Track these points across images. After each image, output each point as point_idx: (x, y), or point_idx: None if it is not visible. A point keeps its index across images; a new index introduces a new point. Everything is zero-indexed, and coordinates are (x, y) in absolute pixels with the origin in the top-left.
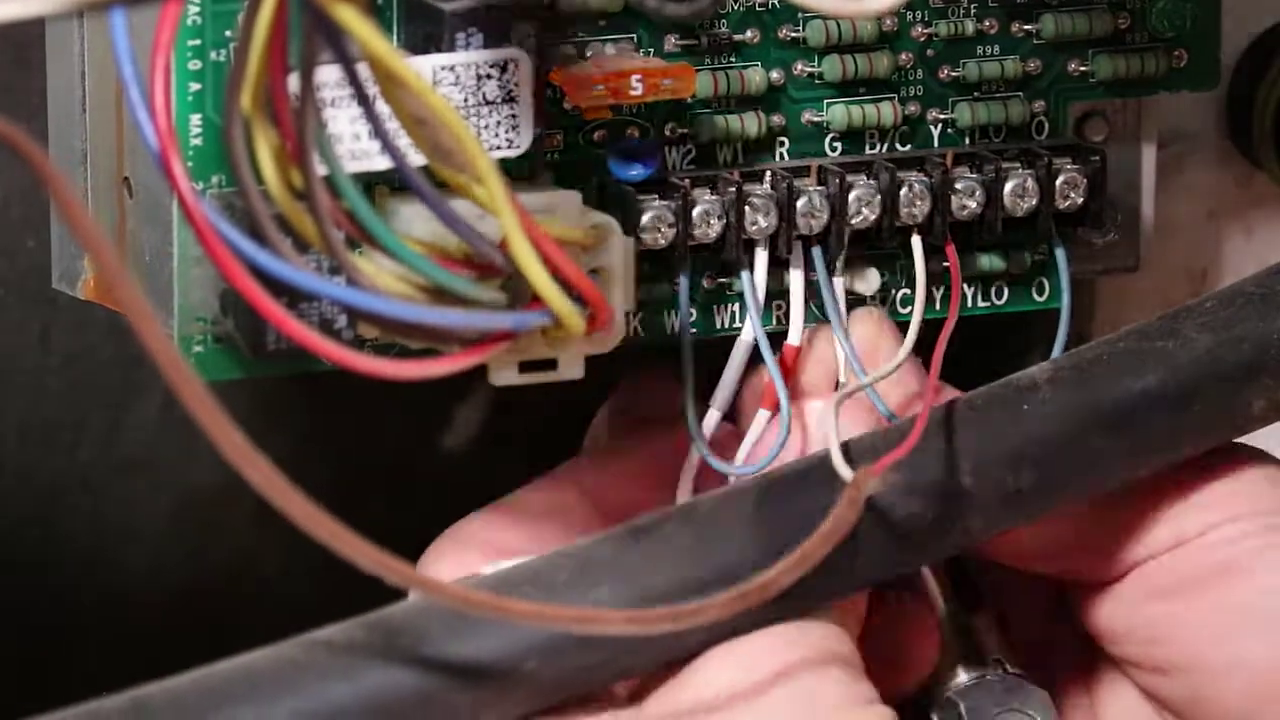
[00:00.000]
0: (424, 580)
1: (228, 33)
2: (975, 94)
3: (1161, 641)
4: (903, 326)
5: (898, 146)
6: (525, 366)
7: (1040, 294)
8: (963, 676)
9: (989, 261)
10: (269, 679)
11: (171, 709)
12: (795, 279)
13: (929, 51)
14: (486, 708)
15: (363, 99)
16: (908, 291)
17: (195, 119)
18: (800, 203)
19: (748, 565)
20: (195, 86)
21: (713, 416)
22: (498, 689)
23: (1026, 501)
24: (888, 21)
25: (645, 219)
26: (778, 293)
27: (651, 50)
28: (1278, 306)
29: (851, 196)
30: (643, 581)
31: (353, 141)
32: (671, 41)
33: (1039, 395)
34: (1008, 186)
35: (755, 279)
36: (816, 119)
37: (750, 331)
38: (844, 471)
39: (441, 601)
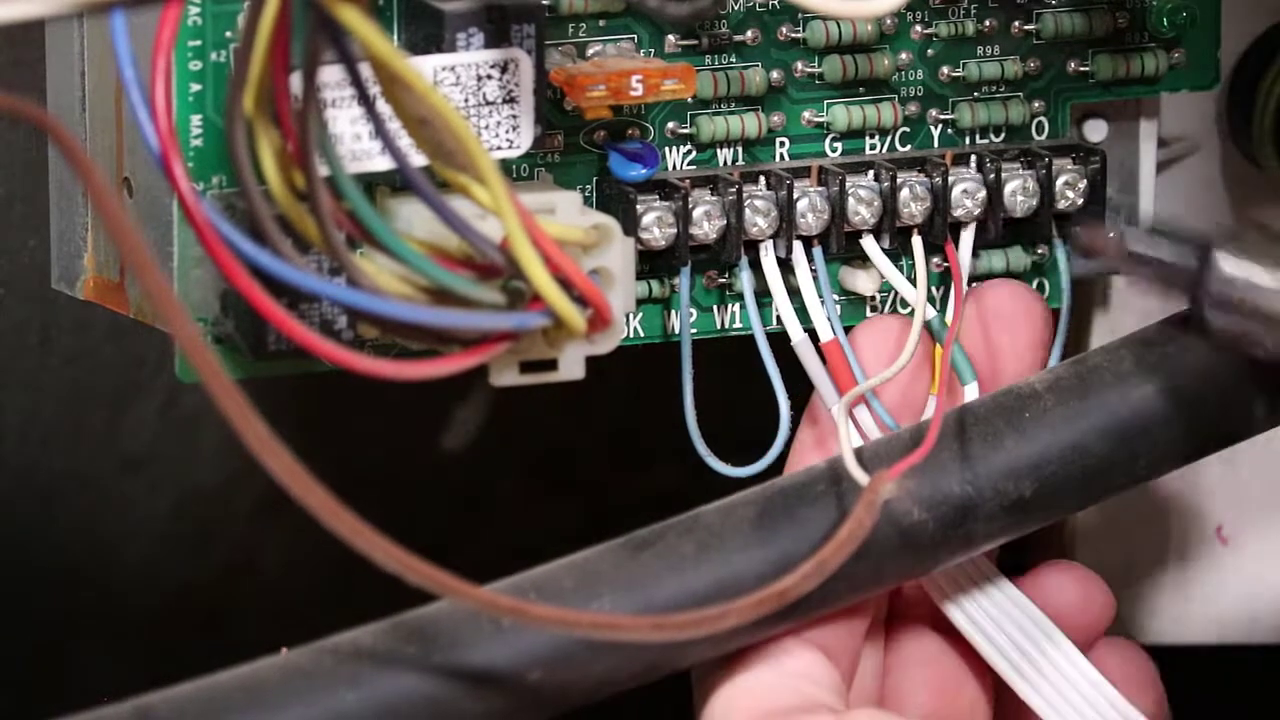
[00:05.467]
0: (444, 580)
1: (228, 33)
2: (975, 94)
3: None
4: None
5: (898, 147)
6: (526, 367)
7: (1040, 294)
8: None
9: (989, 262)
10: (275, 687)
11: (175, 718)
12: (804, 276)
13: (929, 52)
14: (498, 716)
15: (364, 99)
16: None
17: (196, 119)
18: (800, 203)
19: (750, 576)
20: (196, 87)
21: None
22: (509, 697)
23: (1028, 509)
24: (888, 22)
25: (645, 219)
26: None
27: (652, 50)
28: None
29: (851, 197)
30: (645, 592)
31: (354, 142)
32: (672, 42)
33: (1040, 403)
34: (1008, 187)
35: (768, 279)
36: (817, 119)
37: (799, 330)
38: (859, 476)
39: (465, 604)
